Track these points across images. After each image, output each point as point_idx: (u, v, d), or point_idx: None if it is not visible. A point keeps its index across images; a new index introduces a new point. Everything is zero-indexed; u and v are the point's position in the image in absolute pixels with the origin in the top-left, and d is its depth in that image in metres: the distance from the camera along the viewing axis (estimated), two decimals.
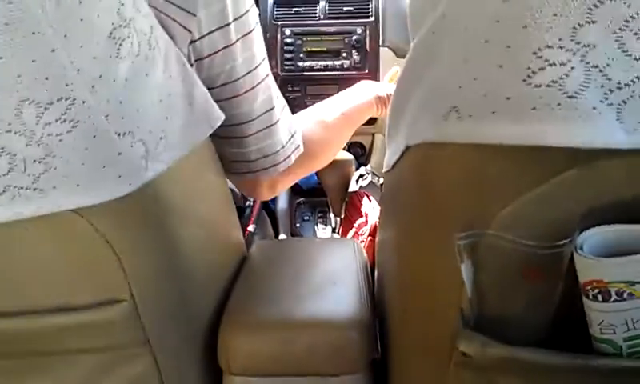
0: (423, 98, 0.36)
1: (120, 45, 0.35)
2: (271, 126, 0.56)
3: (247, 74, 0.51)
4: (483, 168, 0.32)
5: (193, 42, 0.46)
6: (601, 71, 0.27)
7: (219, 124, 0.47)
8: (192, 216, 0.45)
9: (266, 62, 0.54)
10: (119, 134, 0.36)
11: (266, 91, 0.54)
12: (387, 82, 0.85)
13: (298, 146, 0.61)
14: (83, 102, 0.34)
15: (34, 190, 0.35)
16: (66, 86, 0.33)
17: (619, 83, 0.27)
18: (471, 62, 0.31)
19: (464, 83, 0.32)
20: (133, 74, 0.36)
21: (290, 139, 0.59)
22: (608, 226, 0.32)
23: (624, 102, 0.27)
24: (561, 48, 0.28)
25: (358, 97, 0.75)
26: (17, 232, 0.37)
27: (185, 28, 0.44)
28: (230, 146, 0.55)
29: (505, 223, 0.32)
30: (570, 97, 0.28)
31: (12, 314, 0.40)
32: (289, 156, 0.59)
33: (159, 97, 0.39)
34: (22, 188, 0.35)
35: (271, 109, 0.55)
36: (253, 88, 0.52)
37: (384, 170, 0.48)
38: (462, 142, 0.32)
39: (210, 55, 0.48)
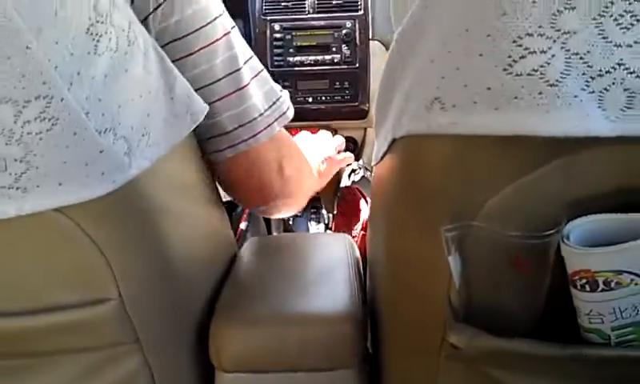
0: (407, 90, 0.35)
1: (98, 41, 0.35)
2: (241, 89, 0.51)
3: (200, 28, 0.47)
4: (468, 159, 0.32)
5: (132, 1, 0.41)
6: (581, 58, 0.27)
7: (202, 117, 0.46)
8: (178, 212, 0.45)
9: (227, 18, 0.50)
10: (100, 132, 0.35)
11: (228, 50, 0.50)
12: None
13: (284, 113, 0.56)
14: (62, 100, 0.33)
15: (17, 189, 0.35)
16: (44, 83, 0.33)
17: (600, 70, 0.27)
18: (453, 51, 0.31)
19: (446, 73, 0.31)
20: (112, 70, 0.36)
21: (271, 106, 0.55)
22: (594, 215, 0.32)
23: (605, 89, 0.27)
24: (541, 35, 0.28)
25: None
26: (1, 232, 0.37)
27: None
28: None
29: (491, 214, 0.32)
30: (551, 85, 0.28)
31: None
32: (270, 124, 0.54)
33: (139, 93, 0.39)
34: (3, 187, 0.35)
35: (237, 69, 0.51)
36: (209, 45, 0.48)
37: (373, 163, 0.48)
38: (446, 133, 0.31)
39: (155, 8, 0.43)
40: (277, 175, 0.58)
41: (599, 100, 0.27)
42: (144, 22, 0.42)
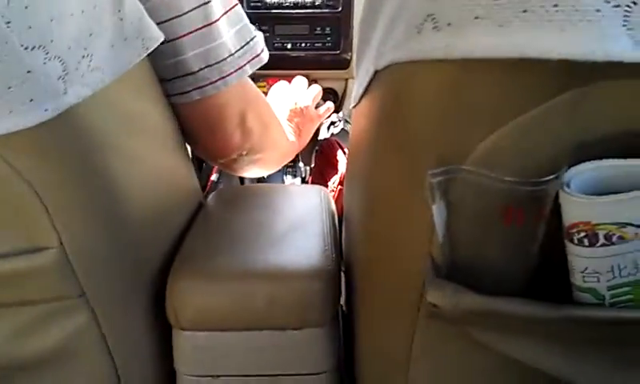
0: (393, 12, 0.30)
1: None
2: (209, 25, 0.46)
3: None
4: (462, 89, 0.27)
5: None
6: None
7: (156, 45, 0.40)
8: (129, 151, 0.40)
9: None
10: (27, 48, 0.30)
11: None
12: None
13: (258, 55, 0.52)
14: None
15: None
16: None
17: None
18: None
19: None
20: None
21: (243, 46, 0.50)
22: (601, 160, 0.28)
23: (634, 2, 0.23)
24: None
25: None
26: None
27: None
28: (164, 56, 0.47)
29: (484, 157, 0.28)
30: None
31: None
32: (242, 66, 0.50)
33: (80, 7, 0.33)
34: None
35: (205, 3, 0.46)
36: None
37: (351, 105, 0.43)
38: (438, 57, 0.27)
39: None
40: (237, 126, 0.54)
41: (625, 17, 0.23)
42: None
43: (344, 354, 0.48)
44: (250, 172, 0.67)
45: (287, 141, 0.71)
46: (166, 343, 0.44)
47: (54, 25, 0.31)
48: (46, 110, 0.31)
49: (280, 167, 0.74)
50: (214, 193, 0.58)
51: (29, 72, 0.30)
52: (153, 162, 0.45)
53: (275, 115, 0.66)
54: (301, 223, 0.51)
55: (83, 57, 0.33)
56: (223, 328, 0.43)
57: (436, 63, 0.27)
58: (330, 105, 0.88)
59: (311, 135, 0.83)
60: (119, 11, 0.36)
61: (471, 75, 0.27)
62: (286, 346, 0.43)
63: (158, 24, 0.42)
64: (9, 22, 0.29)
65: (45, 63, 0.31)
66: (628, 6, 0.23)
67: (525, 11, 0.24)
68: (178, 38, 0.46)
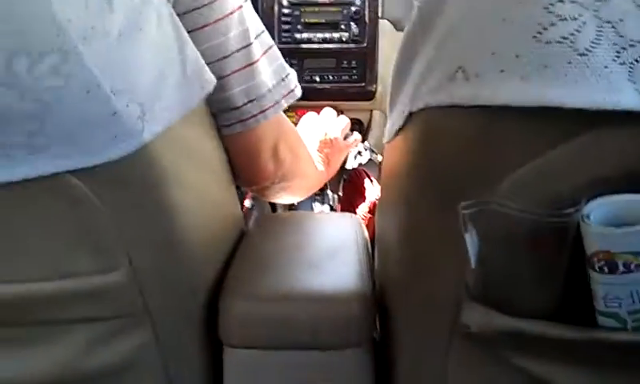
0: (428, 61, 0.34)
1: None
2: (251, 64, 0.52)
3: (215, 1, 0.47)
4: (490, 132, 0.31)
5: None
6: (613, 27, 0.26)
7: (212, 88, 0.45)
8: (189, 183, 0.44)
9: None
10: (114, 92, 0.35)
11: (241, 24, 0.50)
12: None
13: (291, 90, 0.56)
14: (75, 55, 0.32)
15: (28, 147, 0.34)
16: (57, 36, 0.32)
17: (632, 40, 0.26)
18: (479, 18, 0.30)
19: (471, 42, 0.30)
20: (126, 27, 0.35)
21: (278, 83, 0.55)
22: (617, 195, 0.31)
23: (637, 60, 0.26)
24: (573, 2, 0.27)
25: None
26: (10, 194, 0.36)
27: None
28: (214, 93, 0.50)
29: (510, 191, 0.31)
30: (580, 54, 0.27)
31: (7, 282, 0.39)
32: (278, 101, 0.55)
33: (153, 53, 0.38)
34: (14, 145, 0.34)
35: (248, 45, 0.51)
36: (223, 17, 0.48)
37: (385, 140, 0.47)
38: (469, 103, 0.31)
39: None
40: (270, 156, 0.58)
41: (629, 72, 0.27)
42: None
43: (376, 381, 0.51)
44: (281, 199, 0.72)
45: (316, 170, 0.75)
46: (216, 361, 0.48)
47: (135, 72, 0.36)
48: (126, 146, 0.36)
49: (308, 195, 0.78)
50: (253, 220, 0.62)
51: (114, 114, 0.35)
52: (209, 191, 0.49)
53: (305, 146, 0.70)
54: (337, 249, 0.54)
55: (156, 99, 0.38)
56: (270, 346, 0.46)
57: (466, 109, 0.31)
58: (357, 136, 0.91)
59: (339, 165, 0.87)
60: (181, 55, 0.41)
61: (496, 120, 0.30)
62: (328, 365, 0.46)
63: (207, 64, 0.47)
64: (102, 71, 0.34)
65: (128, 106, 0.36)
66: (631, 63, 0.26)
67: (544, 66, 0.28)
68: (225, 77, 0.51)
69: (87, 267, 0.39)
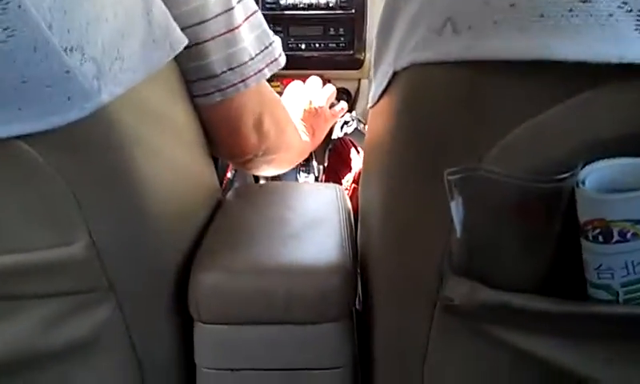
0: (413, 15, 0.31)
1: None
2: (233, 30, 0.49)
3: None
4: (481, 90, 0.28)
5: None
6: None
7: (181, 47, 0.42)
8: (154, 149, 0.41)
9: None
10: (65, 49, 0.31)
11: None
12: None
13: (275, 59, 0.54)
14: (19, 7, 0.29)
15: None
16: None
17: None
18: None
19: None
20: None
21: (262, 50, 0.53)
22: (615, 159, 0.29)
23: None
24: None
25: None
26: None
27: None
28: (189, 59, 0.49)
29: (501, 155, 0.29)
30: (583, 1, 0.24)
31: None
32: (261, 70, 0.52)
33: (113, 11, 0.34)
34: None
35: (230, 9, 0.48)
36: None
37: (369, 105, 0.44)
38: (458, 58, 0.28)
39: None
40: (253, 128, 0.56)
41: (637, 21, 0.24)
42: None
43: (359, 350, 0.49)
44: (265, 171, 0.69)
45: (301, 141, 0.72)
46: (187, 336, 0.46)
47: (90, 28, 0.33)
48: (81, 108, 0.33)
49: (293, 166, 0.76)
50: (232, 190, 0.60)
51: (67, 72, 0.32)
52: (178, 158, 0.46)
53: (290, 117, 0.68)
54: (318, 220, 0.52)
55: (116, 58, 0.35)
56: (243, 322, 0.44)
57: (455, 65, 0.28)
58: (343, 105, 0.89)
59: (325, 135, 0.85)
60: (148, 14, 0.38)
61: (489, 77, 0.27)
62: (303, 340, 0.44)
63: (185, 29, 0.44)
64: (50, 25, 0.30)
65: (81, 64, 0.32)
66: (639, 11, 0.23)
67: (542, 16, 0.25)
68: (202, 42, 0.48)
69: (43, 240, 0.37)
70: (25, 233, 0.37)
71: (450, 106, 0.30)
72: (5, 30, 0.29)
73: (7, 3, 0.29)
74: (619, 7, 0.24)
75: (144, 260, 0.42)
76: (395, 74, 0.35)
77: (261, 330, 0.44)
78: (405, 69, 0.33)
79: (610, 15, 0.24)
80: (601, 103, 0.26)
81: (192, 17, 0.46)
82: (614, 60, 0.24)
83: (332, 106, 0.86)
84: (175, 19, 0.43)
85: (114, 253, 0.39)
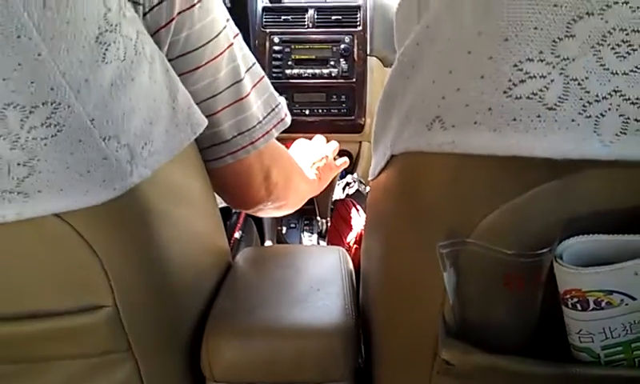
0: (408, 108, 0.36)
1: (106, 49, 0.35)
2: (241, 99, 0.52)
3: (207, 43, 0.47)
4: (466, 177, 0.32)
5: (144, 14, 0.41)
6: (579, 84, 0.28)
7: (202, 130, 0.46)
8: (176, 221, 0.45)
9: (231, 27, 0.51)
10: (104, 139, 0.36)
11: (231, 62, 0.51)
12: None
13: (282, 119, 0.57)
14: (68, 107, 0.34)
15: (18, 193, 0.35)
16: (52, 89, 0.33)
17: (597, 96, 0.28)
18: (454, 72, 0.32)
19: (447, 93, 0.32)
20: (119, 78, 0.36)
21: (269, 113, 0.56)
22: (586, 236, 0.32)
23: (602, 114, 0.28)
24: (541, 61, 0.28)
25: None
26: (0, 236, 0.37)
27: (134, 1, 0.41)
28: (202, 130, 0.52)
29: (487, 231, 0.32)
30: (549, 109, 0.29)
31: None
32: (268, 131, 0.55)
33: (144, 102, 0.39)
34: (5, 191, 0.35)
35: (239, 80, 0.52)
36: (213, 59, 0.48)
37: (370, 178, 0.48)
38: (446, 151, 0.32)
39: (168, 22, 0.43)
40: (263, 182, 0.59)
41: (595, 125, 0.28)
42: (156, 34, 0.42)
43: None
44: (272, 215, 0.72)
45: (308, 182, 0.76)
46: None
47: (125, 118, 0.37)
48: (114, 189, 0.37)
49: (300, 207, 0.78)
50: (240, 253, 0.63)
51: (104, 159, 0.36)
52: (195, 228, 0.50)
53: (296, 164, 0.71)
54: (322, 283, 0.55)
55: (145, 143, 0.39)
56: (252, 381, 0.46)
57: (443, 155, 0.33)
58: (346, 159, 0.93)
59: (329, 182, 0.87)
60: (173, 101, 0.43)
61: (472, 166, 0.32)
62: None
63: (198, 103, 0.48)
64: (93, 120, 0.35)
65: (117, 151, 0.37)
66: (597, 117, 0.28)
67: (514, 120, 0.29)
68: (215, 114, 0.51)
69: (72, 306, 0.40)
70: (57, 299, 0.40)
71: (440, 188, 0.34)
72: (55, 126, 0.34)
73: (59, 104, 0.33)
74: (579, 114, 0.28)
75: (160, 323, 0.45)
76: (392, 156, 0.39)
77: None
78: (401, 154, 0.37)
79: (572, 120, 0.28)
80: (569, 188, 0.30)
81: (205, 92, 0.50)
82: (577, 157, 0.28)
83: (335, 159, 0.90)
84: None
85: (135, 316, 0.42)
